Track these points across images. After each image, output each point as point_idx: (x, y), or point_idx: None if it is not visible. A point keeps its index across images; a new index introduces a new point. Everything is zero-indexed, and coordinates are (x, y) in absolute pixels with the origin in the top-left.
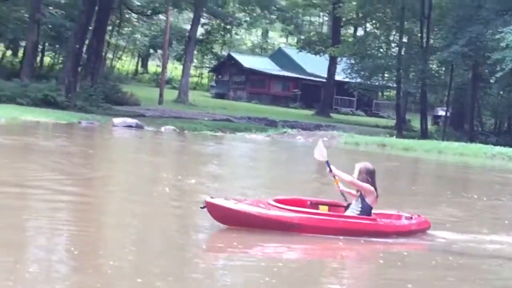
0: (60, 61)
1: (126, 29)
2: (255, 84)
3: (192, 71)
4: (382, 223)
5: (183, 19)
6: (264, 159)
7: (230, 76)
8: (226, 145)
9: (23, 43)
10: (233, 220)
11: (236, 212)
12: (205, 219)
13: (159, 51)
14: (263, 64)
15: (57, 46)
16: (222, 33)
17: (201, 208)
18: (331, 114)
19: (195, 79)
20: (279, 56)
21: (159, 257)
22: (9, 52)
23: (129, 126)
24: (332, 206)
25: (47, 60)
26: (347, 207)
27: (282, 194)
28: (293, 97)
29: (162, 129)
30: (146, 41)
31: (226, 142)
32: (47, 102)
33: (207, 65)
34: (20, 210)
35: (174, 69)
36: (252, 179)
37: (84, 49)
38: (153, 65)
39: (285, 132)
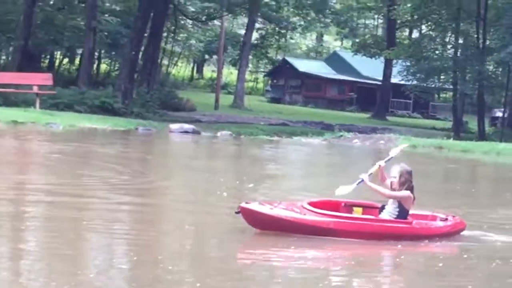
0: (116, 68)
1: (181, 35)
2: (311, 88)
3: (247, 76)
4: (418, 227)
5: (238, 24)
6: (321, 163)
7: (285, 81)
8: (282, 149)
9: (79, 51)
10: (267, 225)
11: (270, 218)
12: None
13: (214, 57)
14: (318, 68)
15: (113, 53)
16: (277, 37)
17: (236, 213)
18: (387, 117)
19: (251, 84)
20: (334, 60)
21: (217, 263)
22: (66, 60)
23: (186, 132)
24: (366, 207)
25: (103, 67)
26: (381, 208)
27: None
28: (349, 101)
29: (219, 134)
30: (201, 46)
31: (282, 146)
32: (104, 109)
33: (262, 70)
34: (80, 217)
35: (230, 74)
36: (309, 183)
37: (140, 55)
38: (209, 71)
39: (341, 135)
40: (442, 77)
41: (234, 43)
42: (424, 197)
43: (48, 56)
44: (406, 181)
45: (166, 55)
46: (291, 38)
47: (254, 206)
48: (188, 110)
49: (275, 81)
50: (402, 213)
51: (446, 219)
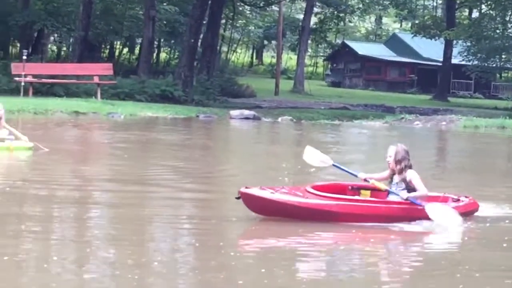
0: (175, 56)
1: (239, 21)
2: (371, 71)
3: (306, 61)
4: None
5: (296, 9)
6: (383, 145)
7: (345, 64)
8: (344, 133)
9: (139, 40)
10: (269, 211)
11: (272, 202)
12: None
13: (273, 42)
14: (378, 51)
15: (172, 41)
16: (336, 21)
17: (236, 198)
18: (449, 98)
19: (310, 69)
20: (393, 42)
21: (279, 249)
22: (125, 50)
23: (246, 118)
24: (374, 190)
25: (163, 56)
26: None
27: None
28: (410, 83)
29: (279, 119)
30: (260, 32)
31: (343, 130)
32: (164, 98)
33: (322, 54)
34: (144, 205)
35: (289, 59)
36: (371, 165)
37: (199, 43)
38: (268, 56)
39: (402, 118)
40: (503, 56)
41: (293, 28)
42: (489, 176)
43: (108, 46)
44: (403, 159)
45: (225, 42)
46: (350, 22)
47: (254, 191)
48: (248, 96)
49: (334, 65)
50: (410, 190)
51: (458, 200)
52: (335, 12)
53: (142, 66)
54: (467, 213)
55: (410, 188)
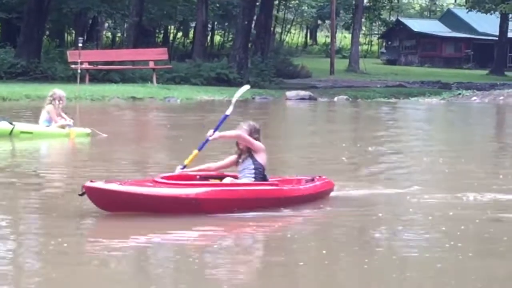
0: (230, 39)
1: (292, 2)
2: (426, 48)
3: (361, 39)
4: (287, 189)
5: None
6: (442, 122)
7: (400, 42)
8: (401, 111)
9: (192, 24)
10: (118, 205)
11: (121, 194)
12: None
13: (327, 22)
14: (433, 27)
15: (226, 24)
16: None
17: (80, 195)
18: (506, 73)
19: (365, 47)
20: (448, 18)
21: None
22: (179, 34)
23: (302, 99)
24: (224, 178)
25: (217, 38)
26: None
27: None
28: (466, 58)
29: (335, 99)
30: (313, 12)
31: (400, 107)
32: (220, 80)
33: (376, 32)
34: None
35: (343, 38)
36: (431, 143)
37: (253, 25)
38: (322, 36)
39: (459, 94)
40: None
41: (346, 7)
42: None
43: (162, 31)
44: (256, 139)
45: (278, 23)
46: None
47: (101, 184)
48: (304, 77)
49: (389, 42)
50: (259, 168)
51: (313, 180)
52: None
53: (196, 49)
54: (325, 192)
55: (257, 163)
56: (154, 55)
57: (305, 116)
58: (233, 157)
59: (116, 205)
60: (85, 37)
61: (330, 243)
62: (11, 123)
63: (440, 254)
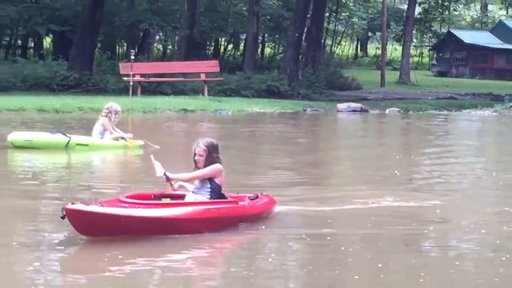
0: (280, 51)
1: (343, 14)
2: (478, 60)
3: (412, 51)
4: (248, 205)
5: (400, 0)
6: (494, 134)
7: (451, 53)
8: (453, 123)
9: (243, 36)
10: (103, 229)
11: (111, 217)
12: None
13: (378, 34)
14: (484, 39)
15: (277, 36)
16: (440, 10)
17: (62, 218)
18: None
19: (416, 59)
20: (500, 29)
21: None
22: (230, 46)
23: (354, 111)
24: (174, 197)
25: (267, 51)
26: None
27: None
28: None
29: (387, 111)
30: (364, 24)
31: (452, 119)
32: (270, 92)
33: (427, 44)
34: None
35: (394, 50)
36: (484, 155)
37: (304, 37)
38: (373, 48)
39: None
40: None
41: (397, 19)
42: None
43: (212, 43)
44: (214, 158)
45: (329, 35)
46: (455, 10)
47: (83, 206)
48: (354, 89)
49: (440, 54)
50: (215, 190)
51: (257, 197)
52: (440, 1)
53: (247, 61)
54: (273, 207)
55: (214, 184)
56: (205, 67)
57: (357, 128)
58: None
59: (100, 229)
60: (137, 49)
61: (384, 252)
62: (65, 135)
63: (495, 269)
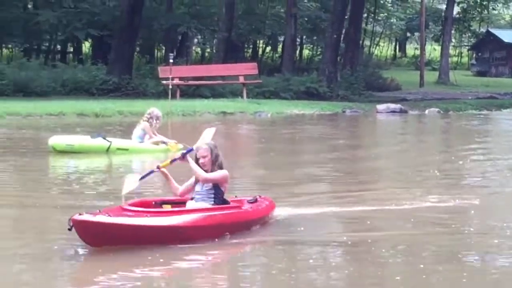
0: (318, 53)
1: (381, 14)
2: None
3: (451, 51)
4: (250, 210)
5: (438, 0)
6: None
7: (490, 53)
8: (493, 123)
9: (281, 38)
10: (110, 239)
11: (116, 227)
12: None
13: (416, 34)
14: None
15: (315, 38)
16: (479, 9)
17: (69, 230)
18: None
19: (455, 59)
20: None
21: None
22: (268, 48)
23: (393, 112)
24: (175, 204)
25: (305, 52)
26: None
27: None
28: None
29: (426, 111)
30: (402, 25)
31: (493, 119)
32: (309, 94)
33: (466, 44)
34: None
35: (433, 50)
36: None
37: (342, 38)
38: (411, 48)
39: None
40: None
41: (436, 19)
42: None
43: (251, 46)
44: (218, 157)
45: (367, 36)
46: (494, 9)
47: (90, 217)
48: (393, 90)
49: (479, 54)
50: (219, 196)
51: (256, 200)
52: (478, 1)
53: (285, 63)
54: (273, 210)
55: (218, 190)
56: (244, 70)
57: (397, 129)
58: (192, 179)
59: (108, 239)
60: (175, 53)
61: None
62: (105, 138)
63: None
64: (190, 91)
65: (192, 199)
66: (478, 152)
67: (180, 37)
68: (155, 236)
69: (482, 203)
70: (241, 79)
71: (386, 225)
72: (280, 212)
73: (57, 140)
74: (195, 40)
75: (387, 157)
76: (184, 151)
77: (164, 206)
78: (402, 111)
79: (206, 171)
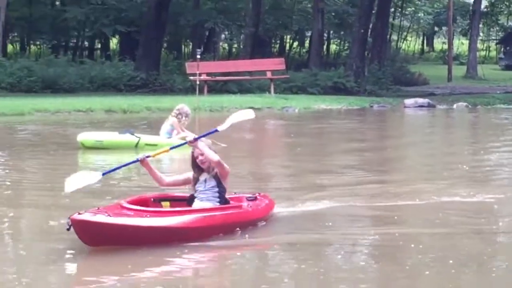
0: (346, 48)
1: (408, 9)
2: None
3: (478, 45)
4: (251, 209)
5: None
6: None
7: None
8: None
9: (308, 33)
10: (110, 239)
11: (116, 228)
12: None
13: (444, 28)
14: None
15: (342, 33)
16: (507, 3)
17: (67, 229)
18: None
19: (483, 53)
20: None
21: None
22: (295, 43)
23: (421, 106)
24: (173, 200)
25: (333, 47)
26: (190, 199)
27: None
28: None
29: (454, 106)
30: (429, 19)
31: None
32: (336, 89)
33: (494, 38)
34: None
35: (461, 44)
36: None
37: (369, 33)
38: (439, 43)
39: None
40: None
41: (463, 13)
42: None
43: (278, 41)
44: (215, 152)
45: (394, 31)
46: None
47: (90, 216)
48: (421, 84)
49: (508, 48)
50: (223, 194)
51: (256, 198)
52: None
53: (313, 59)
54: (273, 208)
55: (222, 186)
56: (271, 65)
57: (425, 123)
58: (188, 175)
59: (108, 239)
60: (202, 48)
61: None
62: (133, 134)
63: None
64: (217, 87)
65: (193, 197)
66: (507, 147)
67: (207, 33)
68: (155, 236)
69: (510, 197)
70: (269, 75)
71: (414, 220)
72: (307, 206)
73: (86, 136)
74: (222, 36)
75: (415, 152)
76: (199, 135)
77: (163, 203)
78: (430, 106)
79: (203, 168)
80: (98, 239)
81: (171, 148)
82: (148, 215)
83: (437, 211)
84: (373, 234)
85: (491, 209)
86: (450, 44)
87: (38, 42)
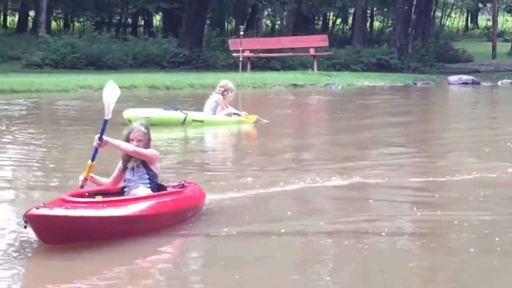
0: (389, 25)
1: None
2: None
3: None
4: (192, 194)
5: None
6: None
7: None
8: None
9: (351, 10)
10: (71, 235)
11: (79, 221)
12: None
13: (488, 5)
14: None
15: (385, 9)
16: None
17: (24, 227)
18: None
19: None
20: None
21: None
22: (339, 20)
23: (465, 83)
24: (105, 194)
25: (376, 24)
26: (121, 191)
27: None
28: None
29: (499, 83)
30: None
31: None
32: (380, 66)
33: None
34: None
35: (505, 21)
36: None
37: (413, 10)
38: (483, 20)
39: None
40: None
41: None
42: None
43: (321, 18)
44: (150, 141)
45: (438, 7)
46: None
47: (48, 211)
48: (465, 61)
49: None
50: (154, 178)
51: (184, 186)
52: None
53: (356, 35)
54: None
55: (151, 172)
56: (314, 42)
57: (469, 100)
58: (119, 165)
59: (69, 235)
60: (245, 25)
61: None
62: (180, 110)
63: None
64: (260, 64)
65: (124, 188)
66: None
67: (250, 10)
68: (117, 228)
69: None
70: (312, 51)
71: (455, 198)
72: (349, 181)
73: (132, 113)
74: (265, 13)
75: (459, 128)
76: (99, 135)
77: (96, 197)
78: (474, 83)
79: (129, 156)
80: (61, 235)
81: (92, 160)
82: (105, 206)
83: (479, 187)
84: (415, 211)
85: None
86: (495, 20)
87: (81, 19)
